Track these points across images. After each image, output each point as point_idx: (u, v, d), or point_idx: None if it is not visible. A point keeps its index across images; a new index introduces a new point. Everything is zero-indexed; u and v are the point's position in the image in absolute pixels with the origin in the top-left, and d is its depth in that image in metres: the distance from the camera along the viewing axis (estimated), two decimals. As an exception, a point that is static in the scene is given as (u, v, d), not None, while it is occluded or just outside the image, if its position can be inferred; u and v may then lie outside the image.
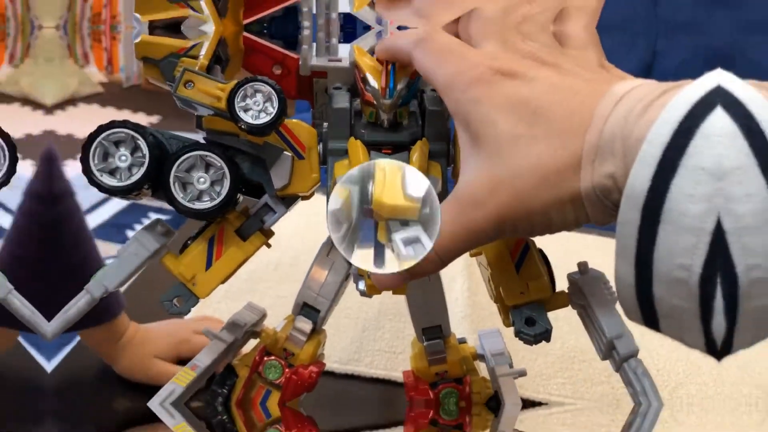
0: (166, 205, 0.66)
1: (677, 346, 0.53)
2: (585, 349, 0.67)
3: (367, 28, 0.68)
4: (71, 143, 1.35)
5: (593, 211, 0.54)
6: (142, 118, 1.41)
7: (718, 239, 0.48)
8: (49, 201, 0.89)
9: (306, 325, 0.73)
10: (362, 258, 0.53)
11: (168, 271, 0.69)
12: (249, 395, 0.74)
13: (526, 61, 0.57)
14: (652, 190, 0.49)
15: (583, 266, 0.68)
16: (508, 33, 0.58)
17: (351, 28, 0.69)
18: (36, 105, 1.45)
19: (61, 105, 1.45)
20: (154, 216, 0.73)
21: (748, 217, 0.47)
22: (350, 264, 0.55)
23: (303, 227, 0.88)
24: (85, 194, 0.84)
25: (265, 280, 1.06)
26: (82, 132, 0.66)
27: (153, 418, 0.70)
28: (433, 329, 0.74)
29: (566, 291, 0.68)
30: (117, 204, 1.26)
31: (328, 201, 0.54)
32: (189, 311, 0.69)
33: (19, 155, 0.65)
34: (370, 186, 0.53)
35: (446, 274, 0.64)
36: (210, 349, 0.73)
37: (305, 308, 0.73)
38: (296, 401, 0.74)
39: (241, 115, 0.64)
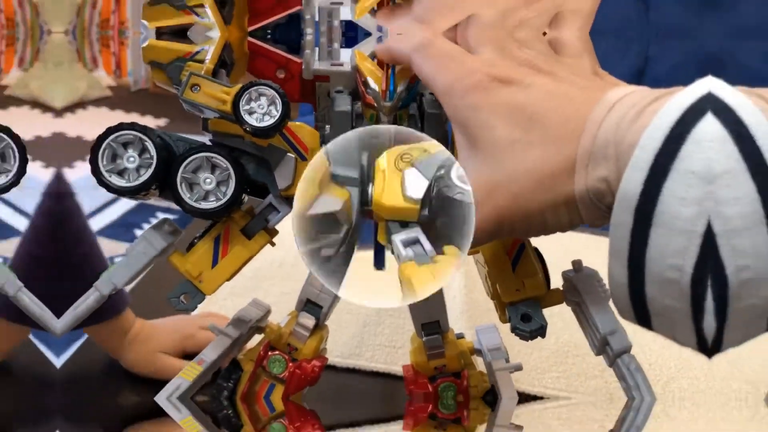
0: (173, 205, 0.67)
1: (669, 341, 0.53)
2: (579, 344, 0.68)
3: (368, 34, 0.68)
4: (81, 145, 1.35)
5: (587, 214, 0.55)
6: (150, 121, 1.41)
7: (709, 241, 0.48)
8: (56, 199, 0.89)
9: (309, 320, 0.73)
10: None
11: (175, 268, 0.69)
12: (254, 389, 0.74)
13: (523, 68, 0.57)
14: (644, 194, 0.49)
15: (577, 264, 0.69)
16: (505, 40, 0.59)
17: (352, 34, 0.69)
18: (45, 108, 1.44)
19: (71, 108, 1.44)
20: (161, 215, 0.73)
21: (737, 219, 0.48)
22: None
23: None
24: (94, 194, 0.85)
25: (270, 277, 1.07)
26: (92, 134, 0.66)
27: (160, 413, 0.71)
28: (431, 325, 0.74)
29: (561, 288, 0.69)
30: (125, 204, 1.26)
31: None
32: (195, 308, 0.69)
33: (29, 156, 0.65)
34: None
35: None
36: (216, 344, 0.73)
37: (308, 304, 0.74)
38: (299, 395, 0.74)
39: (246, 118, 0.64)
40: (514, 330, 0.67)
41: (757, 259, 0.48)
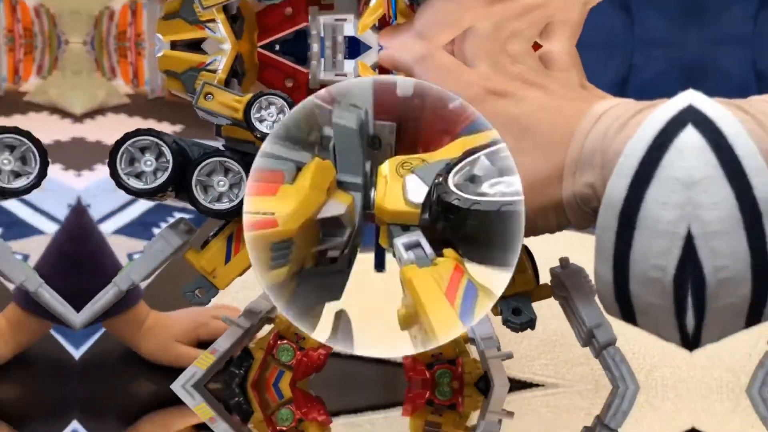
0: (188, 206, 0.68)
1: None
2: (566, 334, 0.68)
3: (370, 47, 0.69)
4: (100, 149, 1.35)
5: (574, 217, 0.56)
6: (166, 127, 1.41)
7: (690, 243, 0.49)
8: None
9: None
10: None
11: (190, 264, 0.70)
12: (264, 376, 0.75)
13: (516, 82, 0.58)
14: (628, 199, 0.50)
15: (564, 261, 0.70)
16: (498, 54, 0.60)
17: (355, 48, 0.70)
18: (64, 114, 1.44)
19: (90, 114, 1.44)
20: (178, 215, 0.75)
21: (715, 223, 0.49)
22: None
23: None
24: (113, 195, 0.85)
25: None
26: (111, 139, 0.66)
27: (174, 402, 0.71)
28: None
29: (549, 284, 0.70)
30: (143, 204, 1.26)
31: None
32: (209, 301, 0.71)
33: (48, 160, 0.66)
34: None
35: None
36: (228, 334, 0.74)
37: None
38: (306, 381, 0.75)
39: (257, 125, 0.65)
40: (505, 322, 0.68)
41: (735, 260, 0.49)
